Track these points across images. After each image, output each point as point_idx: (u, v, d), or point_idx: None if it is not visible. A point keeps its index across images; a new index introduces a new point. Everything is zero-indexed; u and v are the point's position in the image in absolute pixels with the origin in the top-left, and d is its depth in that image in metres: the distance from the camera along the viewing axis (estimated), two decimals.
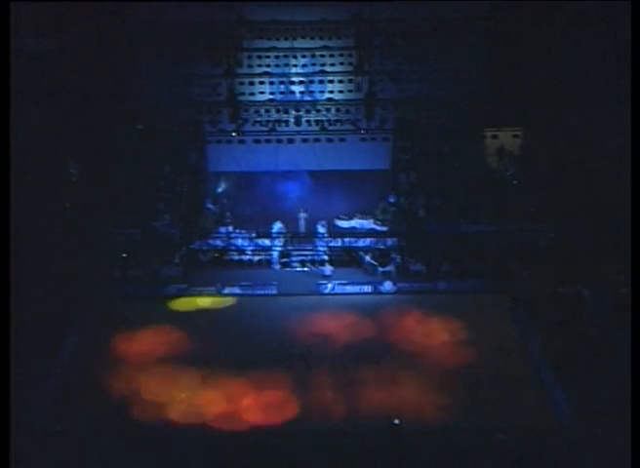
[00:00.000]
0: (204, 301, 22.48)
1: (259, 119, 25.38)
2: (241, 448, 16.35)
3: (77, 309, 21.30)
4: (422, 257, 23.73)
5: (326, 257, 24.07)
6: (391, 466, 16.13)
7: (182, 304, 22.31)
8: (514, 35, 23.78)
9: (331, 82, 25.28)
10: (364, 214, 24.96)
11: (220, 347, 19.95)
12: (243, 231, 24.43)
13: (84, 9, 22.86)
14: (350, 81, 25.34)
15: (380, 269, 23.60)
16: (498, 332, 20.64)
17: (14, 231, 14.86)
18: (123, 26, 24.16)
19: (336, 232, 24.40)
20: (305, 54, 25.11)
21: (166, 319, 21.35)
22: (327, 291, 22.85)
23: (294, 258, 24.38)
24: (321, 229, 24.15)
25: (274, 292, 22.78)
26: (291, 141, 25.37)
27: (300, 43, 25.03)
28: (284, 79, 25.26)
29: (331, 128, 25.24)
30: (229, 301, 22.53)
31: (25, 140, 20.34)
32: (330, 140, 25.31)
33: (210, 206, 25.52)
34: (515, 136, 25.48)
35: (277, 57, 25.09)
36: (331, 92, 25.35)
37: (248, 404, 17.95)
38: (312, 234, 24.30)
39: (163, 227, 24.07)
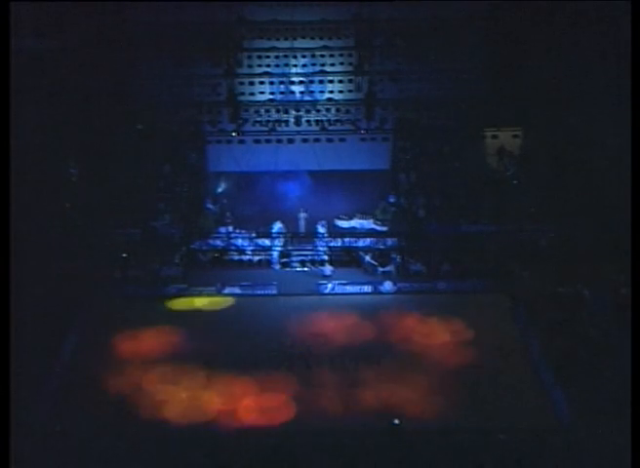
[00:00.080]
0: (204, 301, 22.48)
1: (259, 119, 25.38)
2: (241, 448, 16.35)
3: (77, 309, 21.30)
4: (422, 257, 23.73)
5: (326, 257, 24.07)
6: (391, 466, 16.13)
7: (182, 304, 22.31)
8: (514, 35, 23.78)
9: (331, 82, 25.28)
10: (364, 214, 24.97)
11: (220, 347, 19.94)
12: (243, 231, 24.44)
13: (84, 9, 22.85)
14: (350, 81, 25.34)
15: (380, 269, 23.61)
16: (498, 332, 20.64)
17: (14, 231, 14.86)
18: (123, 26, 24.15)
19: (336, 232, 24.40)
20: (305, 54, 25.11)
21: (166, 319, 21.36)
22: (327, 291, 22.85)
23: (294, 258, 24.38)
24: (321, 229, 24.15)
25: (274, 292, 22.78)
26: (291, 141, 25.37)
27: (299, 43, 25.03)
28: (284, 79, 25.26)
29: (331, 128, 25.24)
30: (229, 301, 22.54)
31: (25, 140, 20.34)
32: (330, 140, 25.30)
33: (210, 206, 25.52)
34: (515, 136, 25.48)
35: (277, 57, 25.09)
36: (331, 92, 25.34)
37: (248, 404, 17.95)
38: (312, 234, 24.30)
39: (163, 227, 24.08)
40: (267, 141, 25.40)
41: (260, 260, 24.46)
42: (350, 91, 25.39)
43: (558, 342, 19.42)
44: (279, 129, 25.38)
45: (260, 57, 25.09)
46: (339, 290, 22.86)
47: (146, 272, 23.01)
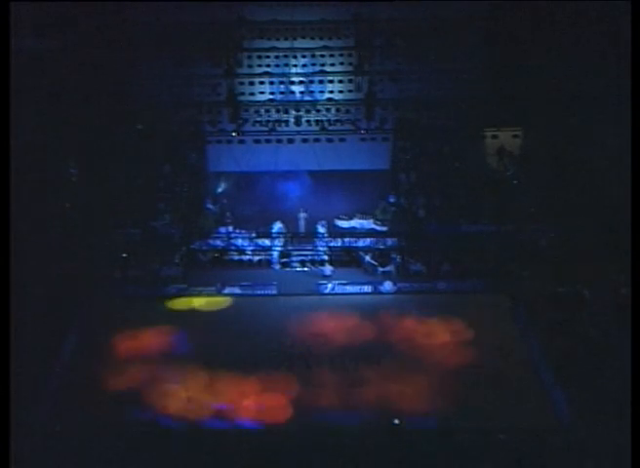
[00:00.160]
0: (205, 301, 22.46)
1: (259, 119, 25.31)
2: (241, 448, 16.37)
3: (77, 309, 21.30)
4: (422, 257, 23.72)
5: (326, 257, 24.05)
6: (391, 466, 16.14)
7: (182, 304, 22.30)
8: (514, 35, 23.74)
9: (331, 82, 25.22)
10: (364, 214, 24.96)
11: (219, 347, 19.95)
12: (243, 231, 24.43)
13: (84, 9, 22.81)
14: (350, 81, 25.28)
15: (380, 269, 23.60)
16: (498, 332, 20.64)
17: (14, 231, 14.86)
18: (123, 26, 24.12)
19: (336, 232, 24.39)
20: (305, 54, 25.05)
21: (166, 319, 21.36)
22: (327, 291, 22.85)
23: (294, 258, 24.37)
24: (321, 229, 24.14)
25: (274, 292, 22.78)
26: (291, 141, 25.32)
27: (300, 43, 24.97)
28: (284, 79, 25.22)
29: (331, 128, 25.19)
30: (229, 301, 22.53)
31: (25, 140, 20.33)
32: (330, 140, 25.25)
33: (210, 206, 25.51)
34: (515, 136, 25.44)
35: (277, 57, 25.02)
36: (331, 92, 25.29)
37: (248, 404, 17.97)
38: (312, 234, 24.30)
39: (163, 227, 24.06)
40: (267, 141, 25.36)
41: (260, 260, 24.45)
42: (350, 91, 25.33)
43: (558, 342, 19.41)
44: (279, 129, 25.32)
45: (260, 57, 25.03)
46: (339, 290, 22.86)
47: (146, 272, 22.99)
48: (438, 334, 20.57)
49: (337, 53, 25.09)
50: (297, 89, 25.33)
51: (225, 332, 20.70)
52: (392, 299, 22.54)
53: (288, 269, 24.31)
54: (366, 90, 25.27)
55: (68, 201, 23.93)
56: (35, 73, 21.96)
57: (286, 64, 25.13)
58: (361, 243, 24.18)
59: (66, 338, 20.17)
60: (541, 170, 24.44)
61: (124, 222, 23.54)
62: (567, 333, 19.69)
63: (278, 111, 25.27)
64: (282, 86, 25.30)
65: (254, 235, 24.23)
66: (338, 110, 25.23)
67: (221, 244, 24.33)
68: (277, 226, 24.22)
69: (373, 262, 23.83)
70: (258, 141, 25.39)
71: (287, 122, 25.32)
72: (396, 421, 17.21)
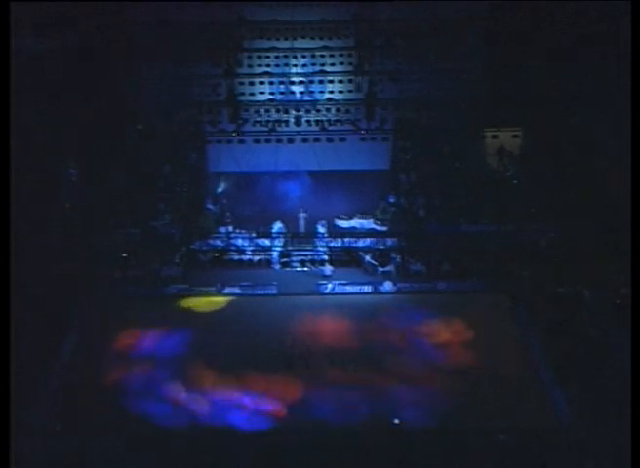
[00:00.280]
0: (207, 302, 22.48)
1: (259, 119, 25.31)
2: (241, 448, 16.37)
3: (77, 309, 21.30)
4: (422, 257, 23.73)
5: (326, 257, 24.06)
6: (391, 466, 16.15)
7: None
8: (514, 35, 23.73)
9: (331, 82, 25.20)
10: (364, 214, 24.95)
11: (219, 347, 19.96)
12: (243, 231, 24.43)
13: (84, 9, 22.81)
14: (350, 81, 25.27)
15: (380, 269, 23.60)
16: (498, 332, 20.65)
17: (14, 231, 14.87)
18: (123, 26, 24.11)
19: (336, 232, 24.39)
20: (305, 54, 25.02)
21: (166, 319, 21.35)
22: (327, 291, 22.85)
23: (294, 258, 24.37)
24: (321, 229, 24.15)
25: (274, 292, 22.78)
26: (291, 141, 25.33)
27: (300, 43, 24.96)
28: (284, 79, 25.21)
29: (331, 128, 25.19)
30: (229, 301, 22.53)
31: (25, 140, 20.33)
32: (330, 140, 25.26)
33: (210, 206, 25.51)
34: (515, 136, 25.45)
35: (277, 57, 25.00)
36: (331, 92, 25.27)
37: (248, 403, 17.96)
38: (312, 234, 24.30)
39: (163, 227, 24.06)
40: (267, 141, 25.37)
41: (260, 260, 24.46)
42: (350, 91, 25.32)
43: (558, 342, 19.42)
44: (279, 129, 25.33)
45: (260, 57, 25.01)
46: (339, 290, 22.86)
47: (146, 272, 23.00)
48: (438, 334, 20.58)
49: (337, 53, 25.07)
50: (297, 89, 25.31)
51: (225, 332, 20.70)
52: (392, 299, 22.54)
53: (288, 269, 24.31)
54: (366, 90, 25.26)
55: (68, 201, 23.93)
56: (35, 73, 21.97)
57: (286, 64, 25.11)
58: (361, 243, 24.17)
59: (66, 338, 20.17)
60: (541, 170, 24.44)
61: (124, 222, 23.55)
62: (567, 333, 19.70)
63: (278, 111, 25.27)
64: (282, 86, 25.29)
65: (254, 235, 24.23)
66: (338, 110, 25.23)
67: (221, 244, 24.32)
68: (277, 226, 24.22)
69: (373, 262, 23.83)
70: (258, 141, 25.40)
71: (287, 122, 25.32)
72: (396, 421, 17.22)
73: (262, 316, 21.55)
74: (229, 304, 22.39)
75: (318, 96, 25.32)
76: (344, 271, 23.76)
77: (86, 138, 23.73)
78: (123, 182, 24.24)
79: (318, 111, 25.20)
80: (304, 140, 25.38)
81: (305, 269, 24.14)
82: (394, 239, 24.13)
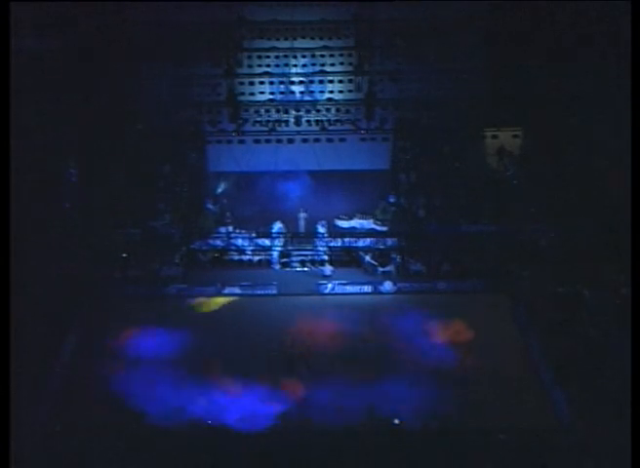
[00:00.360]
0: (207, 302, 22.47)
1: (259, 119, 25.33)
2: (241, 448, 16.37)
3: (77, 309, 21.30)
4: (422, 257, 23.74)
5: (326, 257, 24.08)
6: (391, 466, 16.14)
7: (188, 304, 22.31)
8: (514, 35, 23.72)
9: (331, 82, 25.21)
10: (364, 214, 24.95)
11: (219, 347, 19.95)
12: (243, 231, 24.43)
13: (84, 9, 22.80)
14: (350, 81, 25.28)
15: (380, 269, 23.62)
16: (498, 332, 20.65)
17: (14, 231, 14.87)
18: (123, 26, 24.10)
19: (336, 232, 24.39)
20: (305, 54, 25.02)
21: (166, 319, 21.34)
22: (327, 291, 22.86)
23: (294, 258, 24.39)
24: (321, 229, 24.15)
25: (274, 292, 22.79)
26: (291, 141, 25.36)
27: (299, 43, 24.96)
28: (284, 79, 25.20)
29: (331, 128, 25.21)
30: (229, 301, 22.52)
31: (25, 140, 20.33)
32: (330, 140, 25.29)
33: (210, 206, 25.50)
34: (515, 136, 25.46)
35: (277, 57, 25.01)
36: (331, 92, 25.27)
37: (248, 404, 17.95)
38: (312, 234, 24.30)
39: (163, 227, 24.07)
40: (267, 141, 25.39)
41: (260, 260, 24.47)
42: (350, 91, 25.32)
43: (558, 342, 19.42)
44: (279, 129, 25.35)
45: (260, 57, 25.02)
46: (339, 290, 22.87)
47: (146, 272, 23.02)
48: (438, 334, 20.58)
49: (337, 53, 25.08)
50: (297, 89, 25.31)
51: (225, 332, 20.70)
52: (392, 299, 22.54)
53: (288, 269, 24.33)
54: (366, 90, 25.26)
55: (68, 201, 23.92)
56: (35, 73, 21.95)
57: (286, 64, 25.11)
58: (361, 243, 24.18)
59: (66, 338, 20.17)
60: (541, 170, 24.42)
61: (124, 222, 23.55)
62: (567, 333, 19.69)
63: (278, 111, 25.28)
64: (282, 86, 25.28)
65: (254, 235, 24.23)
66: (338, 110, 25.24)
67: (221, 244, 24.33)
68: (277, 226, 24.23)
69: (373, 262, 23.84)
70: (258, 141, 25.42)
71: (287, 122, 25.34)
72: (396, 421, 17.22)
73: (262, 316, 21.56)
74: (229, 304, 22.40)
75: (318, 96, 25.32)
76: (344, 271, 23.78)
77: (86, 138, 23.72)
78: (123, 182, 24.22)
79: (318, 111, 25.21)
80: (304, 140, 25.41)
81: (305, 269, 24.15)
82: (394, 239, 24.14)
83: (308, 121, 25.22)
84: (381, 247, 24.11)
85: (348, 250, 24.26)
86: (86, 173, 24.29)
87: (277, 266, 24.37)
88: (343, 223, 24.80)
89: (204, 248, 24.33)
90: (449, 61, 24.85)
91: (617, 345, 18.31)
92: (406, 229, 24.31)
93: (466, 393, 18.16)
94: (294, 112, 25.22)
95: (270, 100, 25.37)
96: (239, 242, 24.29)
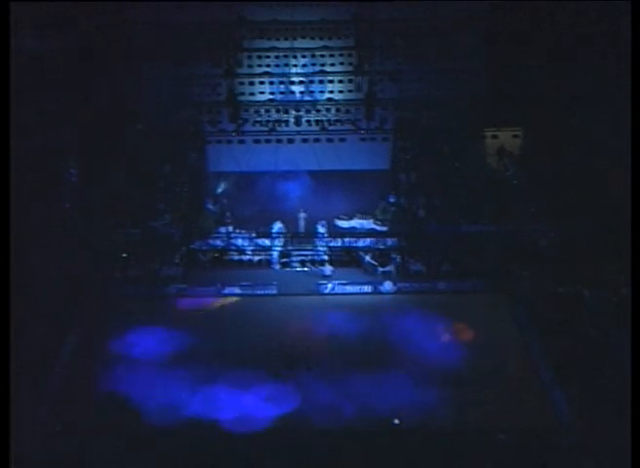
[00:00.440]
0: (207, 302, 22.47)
1: (259, 119, 25.33)
2: (241, 448, 16.37)
3: (77, 309, 21.30)
4: (422, 257, 23.75)
5: (326, 257, 24.09)
6: (391, 466, 16.14)
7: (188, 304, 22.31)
8: (514, 35, 23.72)
9: (331, 82, 25.21)
10: (364, 214, 24.96)
11: (219, 347, 19.94)
12: (243, 231, 24.44)
13: (84, 9, 22.80)
14: (350, 81, 25.28)
15: (380, 269, 23.62)
16: (498, 332, 20.65)
17: (14, 231, 14.86)
18: (123, 26, 24.10)
19: (336, 232, 24.40)
20: (305, 54, 25.03)
21: (166, 319, 21.35)
22: (327, 291, 22.86)
23: (294, 258, 24.40)
24: (321, 229, 24.16)
25: (274, 292, 22.79)
26: (291, 141, 25.36)
27: (300, 43, 24.96)
28: (284, 79, 25.21)
29: (331, 128, 25.21)
30: (229, 301, 22.53)
31: (25, 140, 20.33)
32: (330, 140, 25.29)
33: (210, 206, 25.50)
34: (515, 136, 25.46)
35: (277, 57, 25.01)
36: (331, 92, 25.28)
37: (248, 404, 17.95)
38: (312, 234, 24.30)
39: (163, 227, 24.07)
40: (267, 141, 25.40)
41: (260, 260, 24.48)
42: (350, 91, 25.33)
43: (558, 342, 19.41)
44: (279, 129, 25.35)
45: (260, 57, 25.02)
46: (339, 290, 22.87)
47: (146, 272, 23.02)
48: (438, 334, 20.57)
49: (337, 53, 25.08)
50: (297, 89, 25.31)
51: (225, 332, 20.69)
52: (392, 299, 22.54)
53: (288, 269, 24.34)
54: (366, 90, 25.26)
55: (68, 201, 23.92)
56: (35, 73, 21.95)
57: (286, 64, 25.12)
58: (361, 243, 24.18)
59: (66, 338, 20.16)
60: (541, 170, 24.43)
61: (124, 222, 23.55)
62: (567, 333, 19.69)
63: (278, 111, 25.28)
64: (282, 86, 25.28)
65: (254, 235, 24.24)
66: (338, 110, 25.24)
67: (221, 244, 24.34)
68: (277, 226, 24.23)
69: (373, 262, 23.84)
70: (258, 141, 25.42)
71: (287, 122, 25.34)
72: (396, 421, 17.21)
73: (262, 316, 21.55)
74: (229, 304, 22.39)
75: (318, 96, 25.32)
76: (344, 271, 23.78)
77: (86, 138, 23.72)
78: (123, 182, 24.22)
79: (318, 111, 25.21)
80: (304, 140, 25.41)
81: (305, 269, 24.16)
82: (394, 239, 24.14)
83: (308, 121, 25.22)
84: (381, 247, 24.12)
85: (348, 250, 24.26)
86: (86, 173, 24.29)
87: (277, 266, 24.38)
88: (343, 223, 24.81)
89: (204, 248, 24.33)
90: (449, 61, 24.85)
91: (617, 345, 18.31)
92: (406, 229, 24.31)
93: (466, 393, 18.15)
94: (294, 112, 25.22)
95: (270, 100, 25.37)
96: (239, 242, 24.30)
